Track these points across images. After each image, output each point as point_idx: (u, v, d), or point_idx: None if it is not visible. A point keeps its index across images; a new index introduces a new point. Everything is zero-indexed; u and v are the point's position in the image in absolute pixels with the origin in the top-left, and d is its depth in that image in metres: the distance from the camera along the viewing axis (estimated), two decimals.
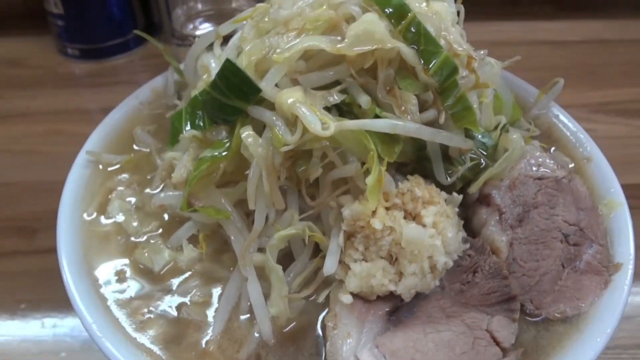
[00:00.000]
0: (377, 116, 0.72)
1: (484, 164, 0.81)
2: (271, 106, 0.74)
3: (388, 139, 0.71)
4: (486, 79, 0.87)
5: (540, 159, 0.84)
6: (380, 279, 0.71)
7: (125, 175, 0.94)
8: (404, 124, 0.70)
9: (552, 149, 1.02)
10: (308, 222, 0.74)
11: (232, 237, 0.77)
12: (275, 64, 0.71)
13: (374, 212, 0.69)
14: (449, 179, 0.78)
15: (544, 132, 1.04)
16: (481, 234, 0.79)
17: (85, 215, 0.89)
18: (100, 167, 0.95)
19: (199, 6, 1.60)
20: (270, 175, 0.72)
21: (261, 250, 0.77)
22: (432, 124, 0.75)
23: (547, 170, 0.84)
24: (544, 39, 1.95)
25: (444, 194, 0.76)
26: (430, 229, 0.70)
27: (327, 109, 0.72)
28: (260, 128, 0.75)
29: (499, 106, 0.92)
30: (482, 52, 0.89)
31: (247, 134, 0.73)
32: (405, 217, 0.71)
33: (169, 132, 1.02)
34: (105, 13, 1.73)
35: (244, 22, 0.86)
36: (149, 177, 0.93)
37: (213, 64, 0.82)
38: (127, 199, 0.90)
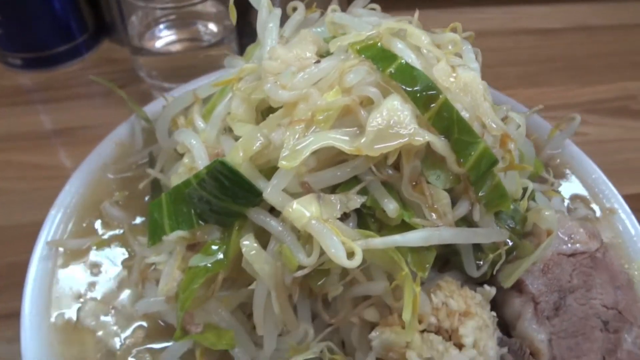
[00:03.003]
0: (404, 222, 0.61)
1: (512, 244, 0.72)
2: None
3: (420, 247, 0.60)
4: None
5: (571, 231, 0.75)
6: None
7: (96, 265, 0.80)
8: (439, 232, 0.59)
9: (567, 200, 0.93)
10: (327, 342, 0.63)
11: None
12: (282, 169, 0.57)
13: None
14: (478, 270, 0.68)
15: (559, 177, 0.95)
16: (516, 330, 0.71)
17: (52, 319, 0.74)
18: (65, 256, 0.79)
19: (157, 12, 1.39)
20: (280, 296, 0.60)
21: None
22: (465, 218, 0.64)
23: (579, 244, 0.75)
24: (529, 27, 1.88)
25: (477, 296, 0.66)
26: (470, 349, 0.60)
27: (346, 213, 0.60)
28: (262, 232, 0.63)
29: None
30: (504, 108, 0.78)
31: (248, 244, 0.60)
32: (441, 334, 0.62)
33: (141, 200, 0.88)
34: (48, 16, 1.50)
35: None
36: (123, 267, 0.80)
37: (194, 144, 0.68)
38: (101, 298, 0.76)
